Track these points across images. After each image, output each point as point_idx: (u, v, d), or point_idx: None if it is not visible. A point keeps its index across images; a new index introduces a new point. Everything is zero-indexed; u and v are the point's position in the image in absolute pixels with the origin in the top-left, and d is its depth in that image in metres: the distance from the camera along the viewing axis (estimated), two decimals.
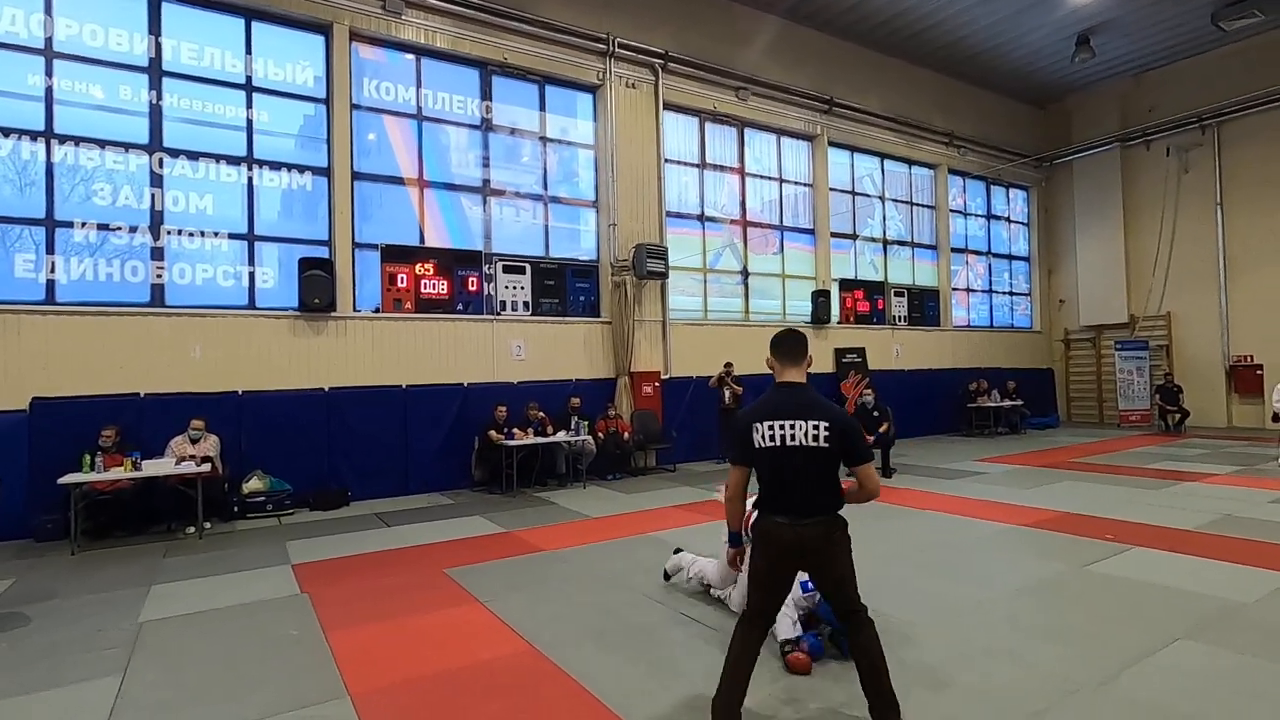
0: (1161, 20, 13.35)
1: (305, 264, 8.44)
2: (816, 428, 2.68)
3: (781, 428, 2.71)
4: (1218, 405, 14.94)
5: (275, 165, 8.65)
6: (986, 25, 13.42)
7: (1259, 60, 13.70)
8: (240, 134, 8.47)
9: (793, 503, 2.72)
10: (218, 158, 8.31)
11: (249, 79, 8.54)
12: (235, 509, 7.58)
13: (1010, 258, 17.75)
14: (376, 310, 9.10)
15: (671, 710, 3.06)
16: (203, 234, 8.20)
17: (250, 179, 8.48)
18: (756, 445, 2.75)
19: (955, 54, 14.55)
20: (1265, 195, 14.26)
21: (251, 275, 8.48)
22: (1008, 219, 17.74)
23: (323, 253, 8.80)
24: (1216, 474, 9.01)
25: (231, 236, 8.39)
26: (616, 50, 10.80)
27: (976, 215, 16.97)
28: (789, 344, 2.91)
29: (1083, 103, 16.75)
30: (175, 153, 8.08)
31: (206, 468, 6.87)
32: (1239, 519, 6.47)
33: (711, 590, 4.42)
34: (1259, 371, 14.16)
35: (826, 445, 2.67)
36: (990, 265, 17.21)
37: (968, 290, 16.62)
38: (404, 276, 9.25)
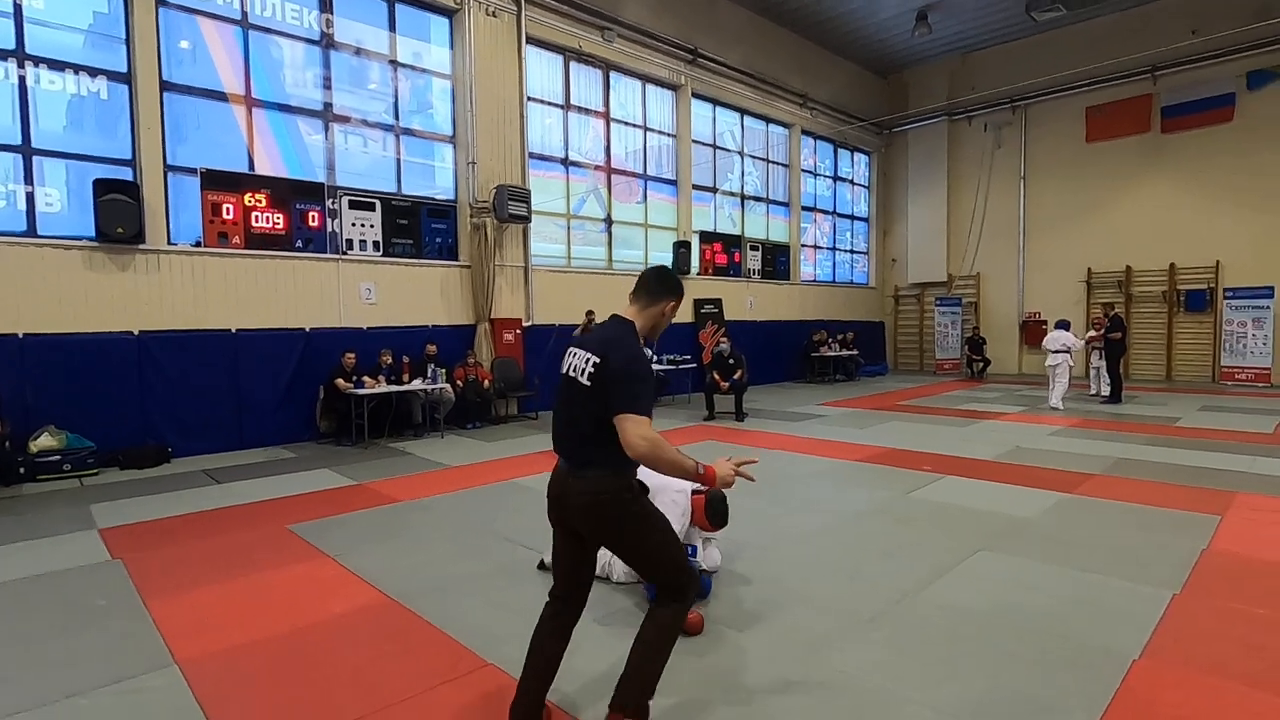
0: (987, 4, 14.65)
1: (102, 186, 7.20)
2: (587, 361, 2.26)
3: (572, 355, 2.37)
4: (1012, 355, 17.28)
5: (57, 65, 7.23)
6: None
7: (1062, 50, 15.49)
8: (6, 22, 6.96)
9: (564, 446, 2.35)
10: None
11: None
12: (22, 471, 6.51)
13: (852, 218, 19.10)
14: (197, 244, 8.03)
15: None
16: None
17: (22, 78, 7.03)
18: (561, 371, 2.42)
19: (812, 16, 15.08)
20: (1057, 171, 16.38)
21: (30, 196, 7.12)
22: (852, 181, 19.00)
23: (126, 174, 7.57)
24: (1009, 413, 10.47)
25: (1, 148, 6.96)
26: None
27: (825, 176, 18.00)
28: (642, 277, 2.47)
29: (919, 76, 18.12)
30: None
31: None
32: (1026, 449, 7.57)
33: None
34: (1044, 326, 16.44)
35: (588, 384, 2.24)
36: (835, 224, 18.43)
37: (815, 247, 17.72)
38: (230, 207, 8.21)
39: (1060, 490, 5.72)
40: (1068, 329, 11.17)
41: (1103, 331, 11.46)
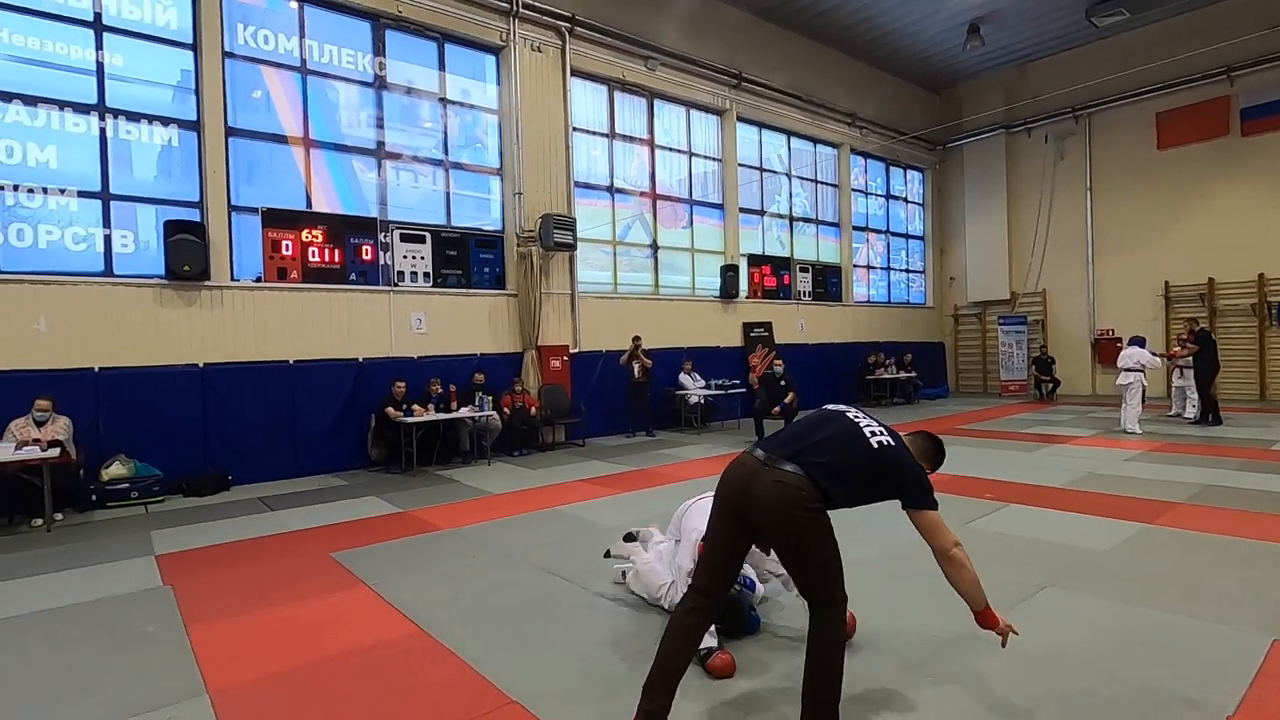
0: (1043, 13, 14.17)
1: (172, 227, 7.63)
2: (882, 432, 2.56)
3: (855, 410, 2.69)
4: (1084, 375, 16.32)
5: (133, 116, 7.74)
6: (888, 8, 13.79)
7: (1125, 56, 14.81)
8: (89, 79, 7.51)
9: (786, 446, 2.48)
10: (60, 104, 7.34)
11: (98, 15, 7.55)
12: (94, 498, 6.84)
13: (907, 236, 18.59)
14: (258, 280, 8.40)
15: (566, 688, 2.95)
16: (44, 190, 7.25)
17: (103, 130, 7.55)
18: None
19: (859, 35, 14.90)
20: (1127, 181, 15.55)
21: (107, 238, 7.59)
22: (905, 199, 18.53)
23: (194, 215, 8.00)
24: (1081, 436, 9.81)
25: (82, 195, 7.47)
26: (521, 10, 10.34)
27: (876, 195, 17.62)
28: (934, 443, 2.84)
29: (973, 90, 17.62)
30: (6, 96, 7.06)
31: (55, 453, 6.13)
32: (1099, 475, 7.05)
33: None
34: (1118, 344, 15.48)
35: (876, 447, 2.49)
36: (889, 243, 17.96)
37: (868, 267, 17.29)
38: (289, 243, 8.57)
39: (1139, 520, 5.27)
40: (1143, 345, 10.46)
41: (1183, 347, 10.71)
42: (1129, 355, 10.31)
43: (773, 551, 3.39)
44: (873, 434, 2.49)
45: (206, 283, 7.89)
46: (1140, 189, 15.35)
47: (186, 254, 7.63)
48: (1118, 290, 15.76)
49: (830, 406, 2.71)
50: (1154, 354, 10.49)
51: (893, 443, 2.50)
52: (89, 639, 3.60)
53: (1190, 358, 10.74)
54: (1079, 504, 5.87)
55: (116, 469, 7.06)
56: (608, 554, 4.36)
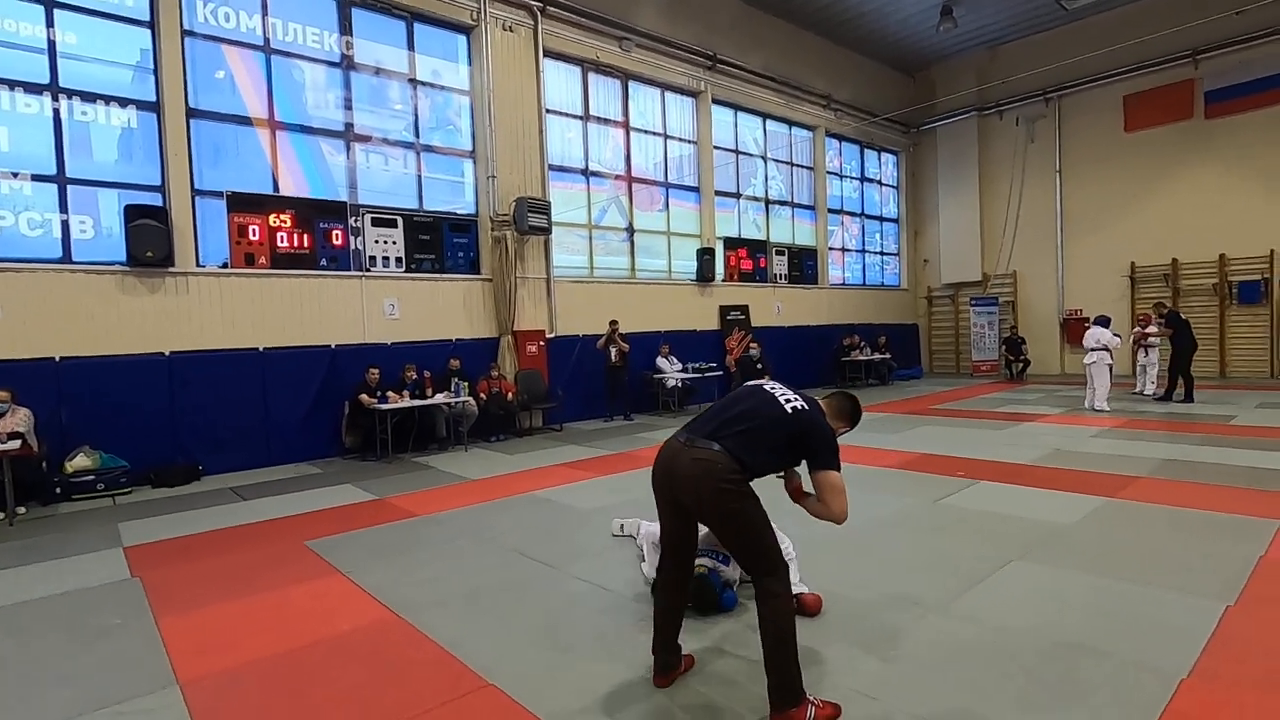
0: None
1: (133, 212, 7.41)
2: (795, 398, 2.66)
3: (769, 382, 2.80)
4: (1053, 355, 16.66)
5: (89, 97, 7.48)
6: None
7: (1096, 38, 14.92)
8: (40, 57, 7.23)
9: (705, 426, 2.61)
10: (10, 83, 7.05)
11: None
12: (58, 490, 6.68)
13: (881, 219, 18.73)
14: (224, 265, 8.21)
15: (541, 670, 2.97)
16: None
17: (56, 111, 7.29)
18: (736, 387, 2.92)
19: (834, 17, 14.87)
20: (1095, 163, 15.79)
21: (65, 224, 7.35)
22: (879, 182, 18.64)
23: (155, 200, 7.78)
24: (1050, 414, 10.04)
25: (36, 179, 7.22)
26: None
27: (851, 178, 17.70)
28: (845, 399, 2.89)
29: (946, 72, 17.71)
30: None
31: (15, 445, 5.97)
32: (1066, 452, 7.22)
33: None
34: (1086, 324, 15.78)
35: (790, 413, 2.59)
36: (863, 226, 18.09)
37: (843, 250, 17.40)
38: (256, 228, 8.37)
39: (1102, 495, 5.41)
40: (1107, 325, 10.66)
41: (1159, 328, 11.03)
42: (1092, 335, 10.53)
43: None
44: (787, 401, 2.63)
45: (171, 269, 7.69)
46: (1108, 171, 15.61)
47: (149, 239, 7.43)
48: (1086, 271, 16.07)
49: (750, 383, 2.84)
50: (1116, 335, 10.71)
51: (806, 407, 2.63)
52: (54, 633, 3.53)
53: (1167, 339, 11.00)
54: (1046, 480, 6.01)
55: (81, 461, 6.90)
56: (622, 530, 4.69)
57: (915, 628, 3.22)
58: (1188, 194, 14.59)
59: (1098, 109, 15.64)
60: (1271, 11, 12.63)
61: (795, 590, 3.48)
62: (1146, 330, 11.48)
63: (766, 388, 2.73)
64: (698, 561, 3.49)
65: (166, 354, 7.66)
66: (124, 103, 7.70)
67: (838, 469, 2.57)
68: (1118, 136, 15.44)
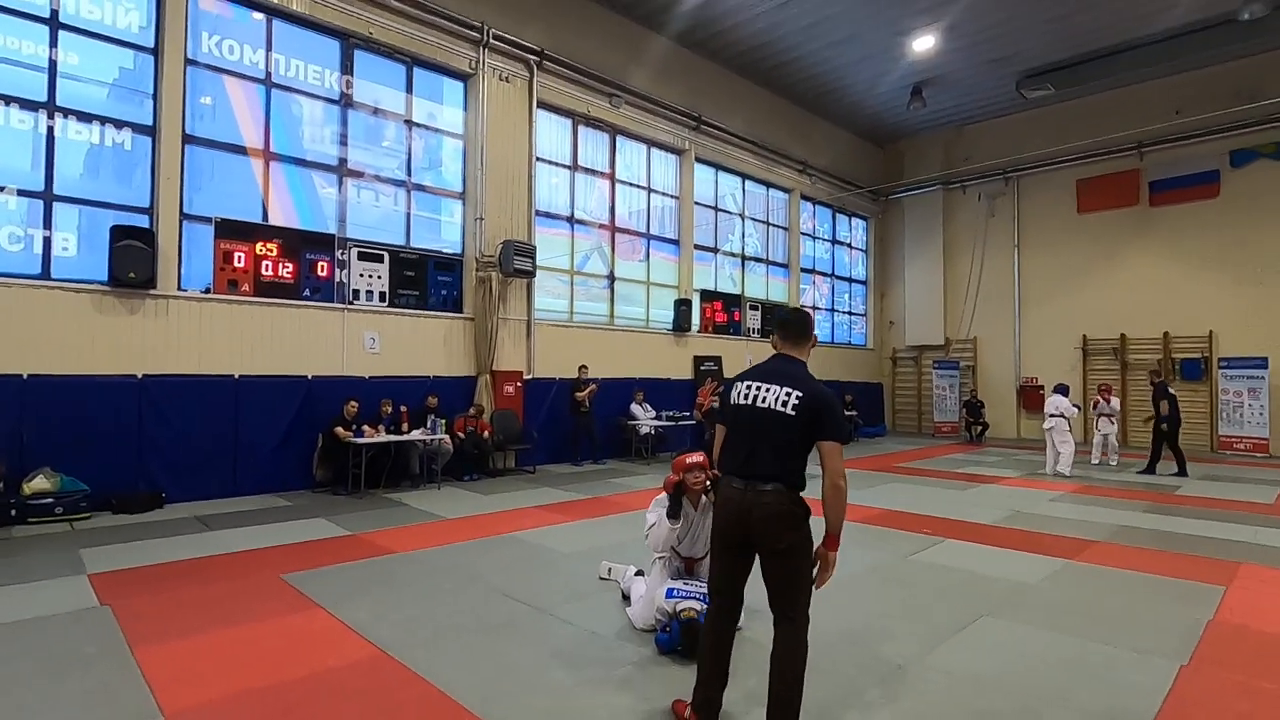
0: (979, 82, 15.31)
1: (119, 232, 7.37)
2: (788, 394, 2.66)
3: (757, 389, 2.75)
4: (1010, 419, 17.28)
5: (85, 117, 7.50)
6: (838, 66, 14.63)
7: (1052, 125, 16.11)
8: (40, 75, 7.26)
9: (748, 465, 2.68)
10: (6, 99, 7.06)
11: (54, 13, 7.34)
12: (13, 513, 6.42)
13: (850, 280, 19.43)
14: (207, 290, 8.16)
15: (532, 709, 3.00)
16: None
17: (50, 128, 7.28)
18: (731, 401, 2.81)
19: (811, 89, 15.73)
20: (1051, 240, 16.77)
21: (46, 240, 7.27)
22: (849, 245, 19.42)
23: (142, 221, 7.76)
24: (1009, 477, 10.42)
25: (22, 194, 7.15)
26: (491, 41, 10.53)
27: (823, 239, 18.41)
28: (791, 323, 2.95)
29: (915, 146, 18.76)
30: None
31: None
32: (1025, 514, 7.52)
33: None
34: (1041, 391, 16.51)
35: (792, 414, 2.63)
36: (833, 286, 18.74)
37: (814, 308, 17.95)
38: (242, 255, 8.37)
39: (1063, 556, 5.67)
40: (1066, 394, 11.18)
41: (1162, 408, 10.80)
42: (1053, 403, 11.01)
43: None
44: (783, 403, 2.66)
45: (152, 291, 7.62)
46: (1062, 248, 16.58)
47: (133, 260, 7.37)
48: (1041, 341, 16.87)
49: (741, 402, 2.77)
50: (1075, 404, 11.22)
51: (801, 392, 2.66)
52: (24, 660, 3.42)
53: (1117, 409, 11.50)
54: (1009, 540, 6.26)
55: (40, 483, 6.66)
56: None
57: (895, 679, 3.35)
58: (1135, 274, 15.55)
59: (1053, 190, 16.71)
60: (1206, 116, 13.81)
61: None
62: (1109, 399, 11.90)
63: (760, 405, 2.70)
64: (687, 605, 3.59)
65: (139, 376, 7.52)
66: (120, 124, 7.73)
67: (844, 441, 2.66)
68: (1071, 217, 16.47)
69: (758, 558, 2.75)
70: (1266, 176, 14.06)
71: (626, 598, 4.29)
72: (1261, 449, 13.50)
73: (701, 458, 3.83)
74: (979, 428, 16.30)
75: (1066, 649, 3.73)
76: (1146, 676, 3.38)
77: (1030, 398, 16.80)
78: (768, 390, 2.72)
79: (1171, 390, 11.09)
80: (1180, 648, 3.75)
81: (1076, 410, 11.27)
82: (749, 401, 2.74)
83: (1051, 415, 10.85)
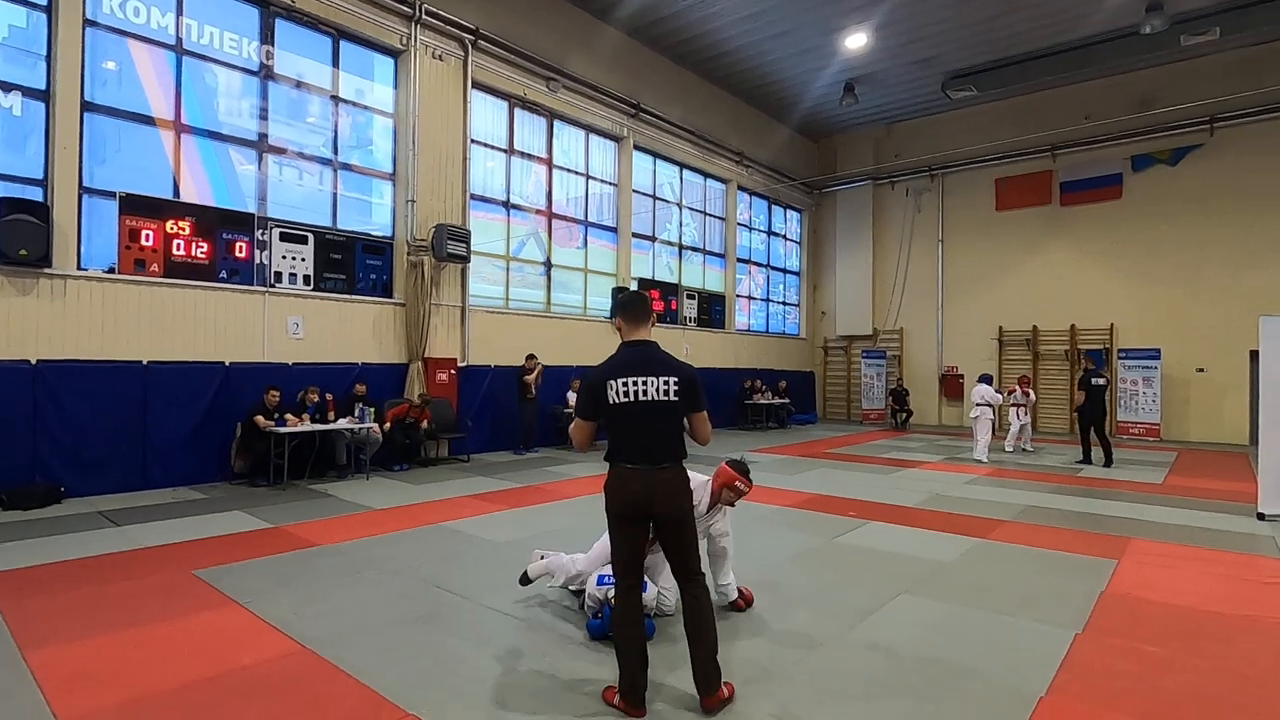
0: (908, 81, 15.84)
1: (8, 205, 6.78)
2: (667, 383, 2.91)
3: (636, 384, 2.90)
4: (933, 407, 18.11)
5: None
6: (776, 59, 14.86)
7: (974, 125, 16.86)
8: None
9: (647, 451, 2.92)
10: None
11: None
12: None
13: (785, 271, 19.86)
14: (111, 270, 7.62)
15: (464, 698, 2.96)
16: None
17: None
18: (610, 401, 2.91)
19: (749, 81, 15.93)
20: (971, 236, 17.60)
21: None
22: (785, 236, 19.83)
23: (36, 194, 7.16)
24: (930, 462, 10.92)
25: None
26: (424, 17, 10.18)
27: (759, 230, 18.73)
28: (634, 305, 3.08)
29: (847, 142, 19.29)
30: None
31: None
32: (945, 497, 7.91)
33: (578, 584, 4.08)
34: (961, 380, 17.40)
35: (676, 399, 2.91)
36: (769, 276, 19.11)
37: (749, 298, 18.28)
38: (150, 233, 7.85)
39: (975, 535, 5.99)
40: (989, 383, 11.71)
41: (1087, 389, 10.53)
42: (978, 392, 11.53)
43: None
44: (664, 393, 2.92)
45: (47, 270, 7.06)
46: (981, 243, 17.43)
47: (24, 237, 6.80)
48: (962, 332, 17.71)
49: (626, 398, 2.91)
50: (998, 391, 11.81)
51: (676, 378, 2.94)
52: None
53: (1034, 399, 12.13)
54: (928, 521, 6.57)
55: None
56: (526, 581, 4.19)
57: (819, 653, 3.47)
58: (1046, 269, 16.50)
59: (975, 188, 17.51)
60: (1111, 122, 14.74)
61: (733, 586, 4.03)
62: (1026, 391, 12.48)
63: (646, 398, 2.89)
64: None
65: (34, 362, 6.97)
66: (8, 87, 7.10)
67: (705, 409, 3.05)
68: (990, 214, 17.31)
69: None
70: (1162, 181, 15.14)
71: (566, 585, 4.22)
72: (1154, 433, 14.61)
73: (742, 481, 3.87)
74: (904, 415, 17.00)
75: (975, 622, 3.96)
76: (1046, 645, 3.61)
77: (951, 386, 17.65)
78: (646, 383, 2.90)
79: (1097, 380, 10.60)
80: (1076, 617, 4.03)
81: (1000, 398, 11.87)
82: (631, 398, 2.90)
83: (978, 404, 11.38)
